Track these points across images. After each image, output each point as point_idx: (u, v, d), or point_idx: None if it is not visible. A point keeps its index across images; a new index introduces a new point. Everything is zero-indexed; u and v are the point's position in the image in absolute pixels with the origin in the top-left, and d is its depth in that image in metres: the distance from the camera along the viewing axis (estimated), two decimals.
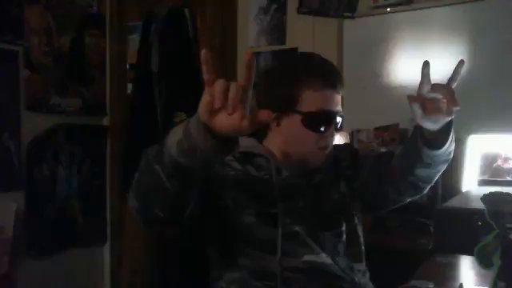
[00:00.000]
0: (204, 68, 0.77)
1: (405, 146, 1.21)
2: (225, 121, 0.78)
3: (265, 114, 0.79)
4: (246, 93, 0.77)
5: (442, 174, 1.89)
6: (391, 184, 1.26)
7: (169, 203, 0.93)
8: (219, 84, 0.76)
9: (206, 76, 0.77)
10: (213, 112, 0.79)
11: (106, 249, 3.10)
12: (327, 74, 1.17)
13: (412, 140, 1.15)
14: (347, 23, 2.41)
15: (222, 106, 0.76)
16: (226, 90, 0.76)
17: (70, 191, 2.82)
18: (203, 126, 0.80)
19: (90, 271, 3.00)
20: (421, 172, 1.20)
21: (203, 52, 0.77)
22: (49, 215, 2.69)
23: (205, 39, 2.76)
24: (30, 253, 2.59)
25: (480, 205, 1.18)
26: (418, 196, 1.30)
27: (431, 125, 1.07)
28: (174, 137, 0.84)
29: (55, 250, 2.73)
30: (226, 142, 0.82)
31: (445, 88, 1.02)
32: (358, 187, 1.29)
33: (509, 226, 1.11)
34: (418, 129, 1.12)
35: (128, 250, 3.05)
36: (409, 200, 1.32)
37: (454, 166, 2.06)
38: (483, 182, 2.01)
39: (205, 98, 0.78)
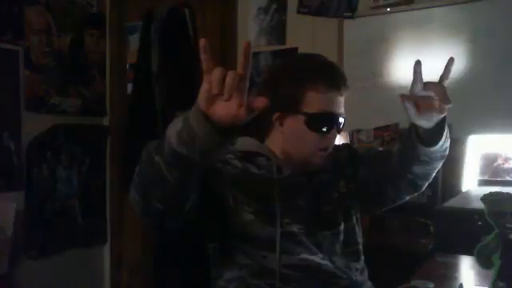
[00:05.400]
0: (202, 57, 0.79)
1: (401, 145, 1.22)
2: (222, 108, 0.80)
3: (261, 101, 0.80)
4: (244, 81, 0.79)
5: (442, 174, 1.89)
6: (390, 182, 1.27)
7: (168, 195, 0.93)
8: (217, 71, 0.78)
9: (204, 64, 0.79)
10: (211, 100, 0.80)
11: (106, 249, 3.10)
12: (332, 77, 1.18)
13: (407, 139, 1.16)
14: (347, 23, 2.40)
15: (219, 93, 0.78)
16: (224, 78, 0.77)
17: (70, 191, 2.82)
18: (202, 114, 0.82)
19: (90, 271, 3.00)
20: (418, 169, 1.21)
21: (201, 41, 0.79)
22: (49, 215, 2.69)
23: (205, 39, 2.75)
24: (30, 253, 2.59)
25: (480, 205, 1.18)
26: (416, 193, 1.31)
27: (425, 122, 1.09)
28: (174, 127, 0.85)
29: (55, 250, 2.73)
30: (225, 131, 0.83)
31: (437, 86, 1.04)
32: (358, 186, 1.29)
33: (509, 225, 1.11)
34: (413, 127, 1.13)
35: (128, 249, 3.05)
36: (408, 198, 1.33)
37: (454, 166, 2.06)
38: (483, 182, 2.00)
39: (203, 86, 0.80)
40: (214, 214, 1.14)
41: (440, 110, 1.04)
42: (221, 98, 0.78)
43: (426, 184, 1.29)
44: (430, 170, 1.23)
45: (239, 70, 0.78)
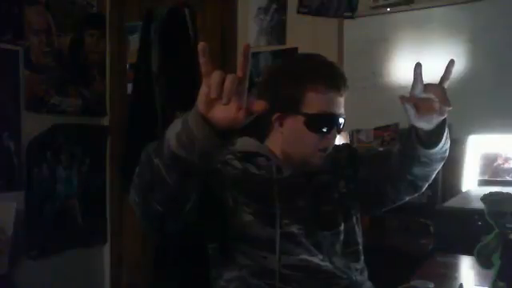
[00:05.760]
0: (201, 60, 0.78)
1: (401, 146, 1.22)
2: (221, 112, 0.80)
3: (260, 105, 0.79)
4: (243, 84, 0.78)
5: (442, 174, 1.89)
6: (390, 183, 1.27)
7: (168, 197, 0.93)
8: (216, 75, 0.77)
9: (203, 67, 0.79)
10: (210, 103, 0.80)
11: (106, 249, 3.10)
12: (332, 77, 1.17)
13: (407, 140, 1.16)
14: (347, 23, 2.40)
15: (218, 97, 0.78)
16: (223, 81, 0.77)
17: (70, 191, 2.82)
18: (201, 117, 0.82)
19: (90, 271, 3.00)
20: (418, 171, 1.21)
21: (200, 44, 0.78)
22: (49, 215, 2.69)
23: (205, 39, 2.76)
24: (30, 253, 2.59)
25: (480, 205, 1.18)
26: (416, 194, 1.31)
27: (425, 124, 1.09)
28: (174, 129, 0.85)
29: (55, 250, 2.73)
30: (224, 134, 0.83)
31: (437, 88, 1.03)
32: (358, 187, 1.29)
33: (509, 225, 1.11)
34: (413, 129, 1.13)
35: (128, 250, 3.06)
36: (408, 198, 1.33)
37: (454, 166, 2.06)
38: (483, 182, 2.00)
39: (202, 90, 0.80)
40: (214, 214, 1.14)
41: (440, 112, 1.04)
42: (220, 102, 0.78)
43: (426, 185, 1.28)
44: (430, 171, 1.22)
45: (238, 72, 0.78)
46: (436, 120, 1.07)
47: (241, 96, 0.79)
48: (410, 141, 1.14)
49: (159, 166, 0.87)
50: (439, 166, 1.22)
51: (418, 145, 1.13)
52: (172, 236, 1.20)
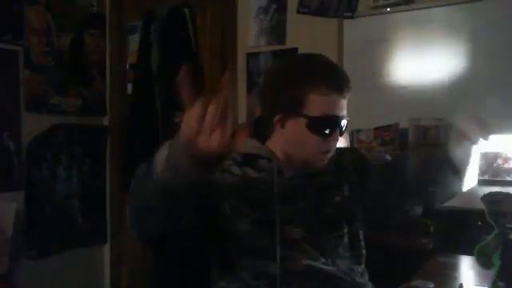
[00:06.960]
0: (181, 92, 0.73)
1: (431, 173, 1.22)
2: (205, 141, 0.74)
3: (244, 132, 0.76)
4: (225, 112, 0.73)
5: None
6: (404, 198, 1.26)
7: (160, 221, 0.91)
8: (196, 109, 0.73)
9: (184, 98, 0.74)
10: (192, 135, 0.74)
11: (106, 248, 3.10)
12: (334, 79, 1.15)
13: (441, 171, 1.18)
14: (347, 23, 2.40)
15: (199, 130, 0.73)
16: (204, 114, 0.72)
17: (70, 191, 2.82)
18: (185, 146, 0.77)
19: (90, 271, 3.00)
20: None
21: (182, 70, 0.73)
22: (49, 215, 2.69)
23: (205, 39, 2.76)
24: (30, 253, 2.59)
25: (480, 205, 1.18)
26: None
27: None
28: (162, 154, 0.83)
29: (55, 250, 2.73)
30: (209, 160, 0.78)
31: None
32: (363, 194, 1.28)
33: (509, 225, 1.11)
34: (447, 159, 1.16)
35: (128, 249, 3.05)
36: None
37: None
38: (483, 182, 2.00)
39: (184, 120, 0.75)
40: (213, 223, 1.14)
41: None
42: (203, 132, 0.73)
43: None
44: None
45: (219, 101, 0.73)
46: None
47: (224, 124, 0.73)
48: (442, 169, 1.17)
49: (149, 192, 0.85)
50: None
51: (451, 174, 1.15)
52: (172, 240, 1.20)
